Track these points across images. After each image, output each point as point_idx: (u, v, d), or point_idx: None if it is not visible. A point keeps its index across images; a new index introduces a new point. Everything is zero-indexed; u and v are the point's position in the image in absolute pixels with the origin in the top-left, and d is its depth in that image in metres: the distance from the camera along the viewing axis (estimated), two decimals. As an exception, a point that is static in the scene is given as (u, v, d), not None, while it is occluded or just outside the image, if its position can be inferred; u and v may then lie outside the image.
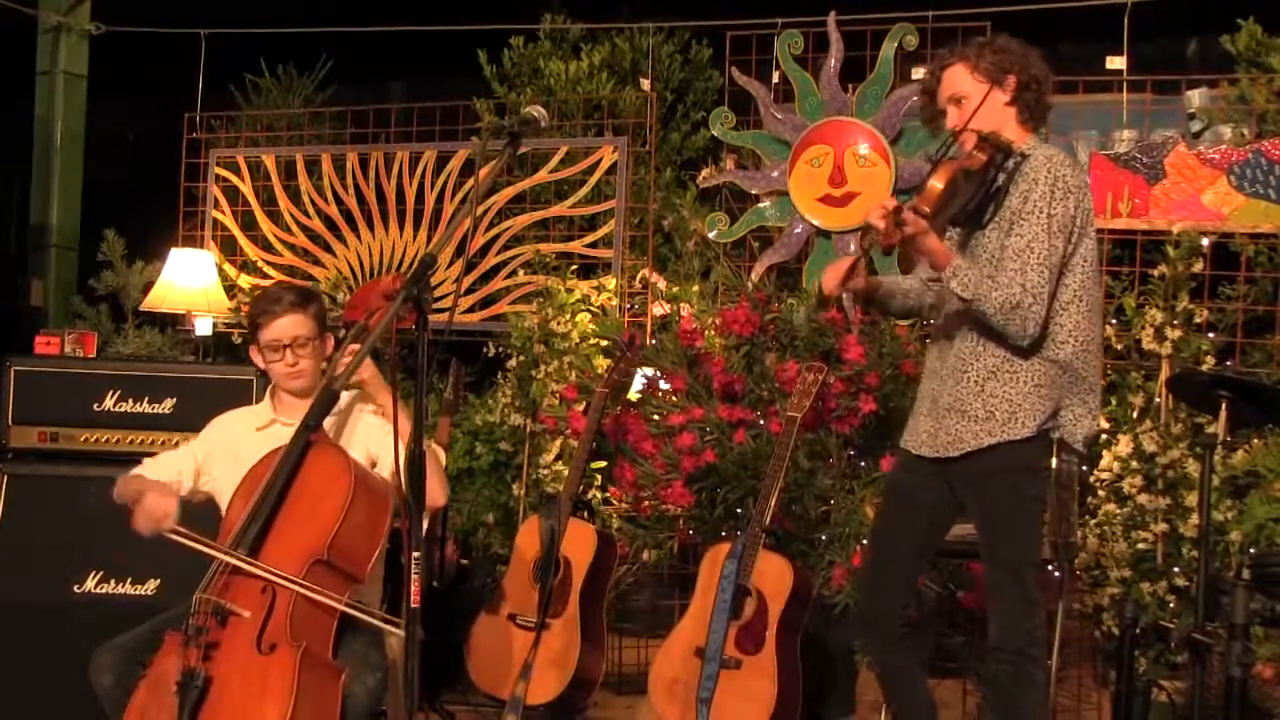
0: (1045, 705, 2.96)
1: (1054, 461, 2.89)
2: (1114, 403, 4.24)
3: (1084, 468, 4.07)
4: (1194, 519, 3.92)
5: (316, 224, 5.98)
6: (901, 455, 3.05)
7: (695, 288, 4.97)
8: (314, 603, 2.66)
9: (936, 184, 2.70)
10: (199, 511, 3.00)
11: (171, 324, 5.90)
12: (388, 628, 2.70)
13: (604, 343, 4.95)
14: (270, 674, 2.54)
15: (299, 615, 2.63)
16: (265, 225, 6.07)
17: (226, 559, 2.64)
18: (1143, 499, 4.05)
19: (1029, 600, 2.84)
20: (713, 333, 4.53)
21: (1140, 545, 4.04)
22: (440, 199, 5.73)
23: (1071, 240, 2.76)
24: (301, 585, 2.63)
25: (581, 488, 4.30)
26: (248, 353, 3.14)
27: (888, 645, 3.01)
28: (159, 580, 3.60)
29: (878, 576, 3.05)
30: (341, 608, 2.67)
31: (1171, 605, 3.95)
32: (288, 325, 2.97)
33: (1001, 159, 2.80)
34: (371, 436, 3.00)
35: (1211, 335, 4.28)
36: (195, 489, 3.01)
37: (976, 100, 2.81)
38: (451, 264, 5.62)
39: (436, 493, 2.92)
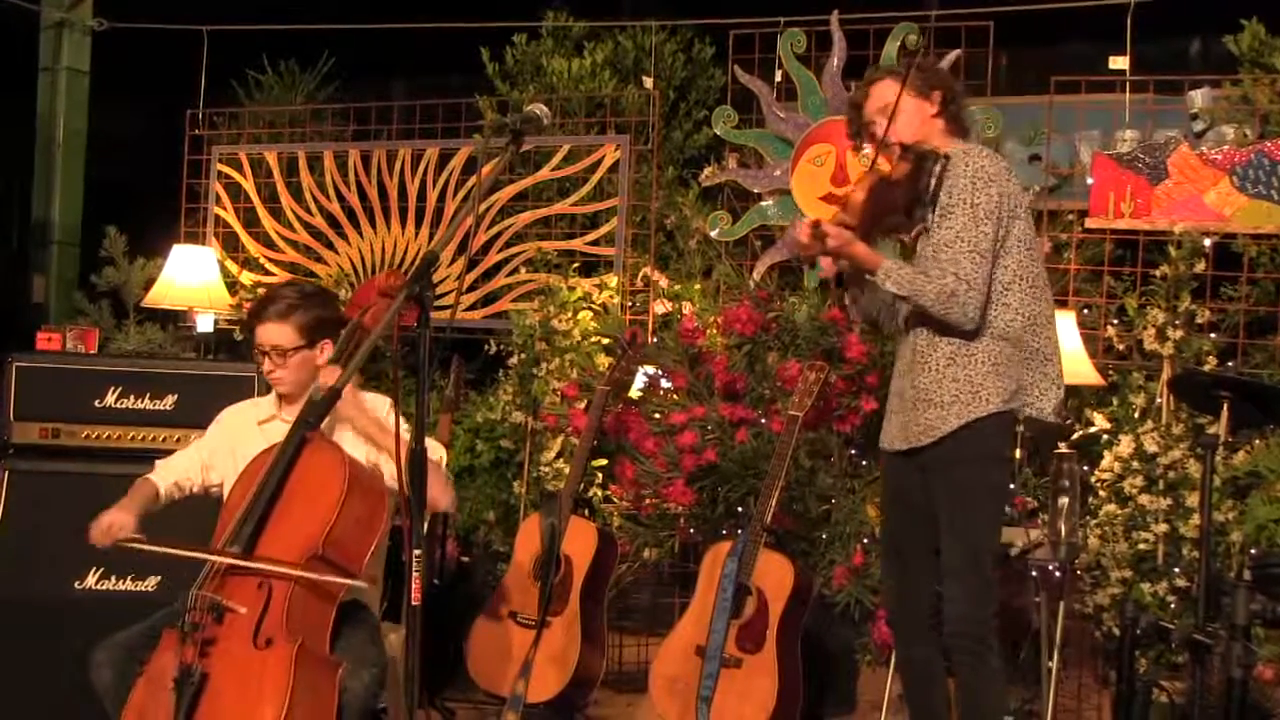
0: (1003, 693, 3.00)
1: (1018, 452, 2.96)
2: (1115, 403, 4.23)
3: (1085, 467, 4.07)
4: (1195, 519, 3.92)
5: (318, 221, 5.98)
6: (885, 458, 3.13)
7: (697, 286, 4.97)
8: (310, 598, 2.66)
9: (858, 195, 2.87)
10: (201, 505, 3.02)
11: (173, 320, 5.91)
12: (384, 623, 2.70)
13: (605, 341, 4.94)
14: (266, 669, 2.54)
15: (295, 610, 2.63)
16: (267, 222, 6.07)
17: (185, 556, 2.68)
18: (1144, 499, 4.05)
19: (987, 588, 2.90)
20: (714, 331, 4.53)
21: (1141, 545, 4.04)
22: (442, 196, 5.73)
23: (1002, 224, 2.87)
24: (296, 571, 2.62)
25: (582, 486, 4.30)
26: (249, 349, 3.16)
27: (915, 639, 3.07)
28: (159, 577, 3.60)
29: (900, 582, 3.09)
30: (343, 581, 2.68)
31: (1172, 606, 3.95)
32: (266, 333, 2.99)
33: (931, 165, 2.90)
34: (369, 435, 2.99)
35: (1213, 336, 4.27)
36: (207, 484, 3.05)
37: (905, 111, 2.96)
38: (453, 261, 5.62)
39: (438, 498, 2.91)
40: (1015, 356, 2.91)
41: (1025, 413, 2.93)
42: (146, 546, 2.77)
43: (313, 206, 5.99)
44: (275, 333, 2.98)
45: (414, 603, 2.18)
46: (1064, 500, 3.69)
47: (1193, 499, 3.97)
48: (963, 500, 2.91)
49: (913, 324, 2.98)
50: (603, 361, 4.84)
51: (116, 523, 2.82)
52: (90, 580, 3.62)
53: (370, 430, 2.96)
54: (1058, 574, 3.81)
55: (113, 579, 3.63)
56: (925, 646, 3.06)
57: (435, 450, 3.06)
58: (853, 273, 3.11)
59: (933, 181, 2.90)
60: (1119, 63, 4.87)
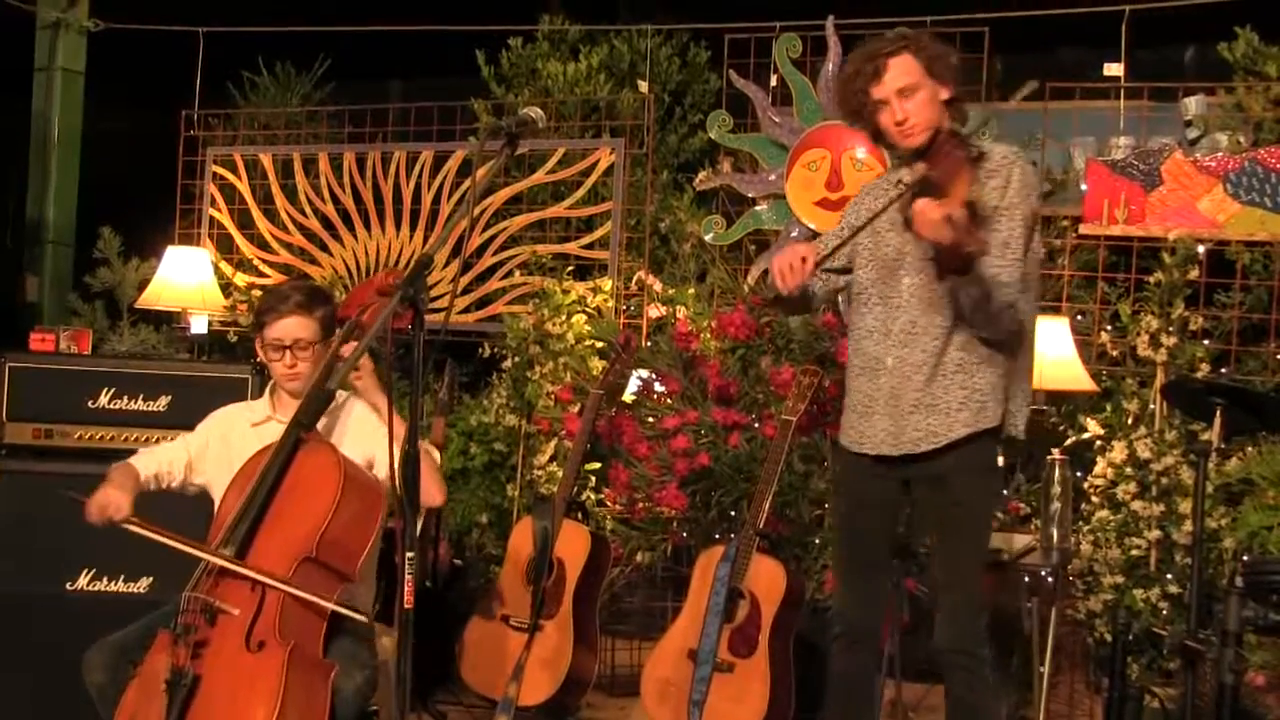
0: (1000, 704, 2.96)
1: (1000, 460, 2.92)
2: (1109, 409, 4.24)
3: (1077, 473, 4.08)
4: (1187, 526, 3.92)
5: (313, 223, 5.98)
6: (847, 459, 2.97)
7: (691, 290, 4.97)
8: (304, 600, 2.66)
9: (961, 189, 2.64)
10: (192, 508, 3.02)
11: (167, 322, 5.89)
12: (377, 624, 2.70)
13: (599, 344, 4.94)
14: (258, 672, 2.54)
15: (288, 613, 2.63)
16: (262, 224, 6.06)
17: (180, 549, 2.66)
18: (1137, 505, 4.05)
19: (981, 600, 2.87)
20: (708, 335, 4.53)
21: (1134, 552, 4.04)
22: (437, 199, 5.73)
23: (1030, 235, 2.81)
24: (286, 585, 2.63)
25: (575, 489, 4.30)
26: (243, 350, 3.14)
27: (862, 647, 3.00)
28: (152, 578, 3.60)
29: (861, 584, 3.01)
30: (331, 606, 2.67)
31: (1164, 612, 3.96)
32: (290, 327, 2.95)
33: (972, 157, 2.78)
34: (365, 435, 2.99)
35: (1207, 342, 4.28)
36: (187, 481, 3.01)
37: (925, 94, 2.79)
38: (448, 264, 5.62)
39: (433, 493, 2.93)
40: (1011, 369, 2.86)
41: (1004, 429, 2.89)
42: (143, 531, 2.73)
43: (307, 209, 5.99)
44: (298, 326, 2.95)
45: (406, 606, 2.18)
46: (1056, 506, 3.69)
47: (1185, 505, 3.97)
48: (963, 515, 2.85)
49: (920, 326, 2.83)
50: (596, 365, 4.84)
51: (113, 503, 2.77)
52: (82, 581, 3.62)
53: (366, 426, 2.97)
54: (1050, 579, 3.82)
55: (105, 580, 3.62)
56: (867, 655, 3.00)
57: (429, 452, 3.07)
58: (796, 299, 2.89)
59: None
60: (1114, 70, 4.88)
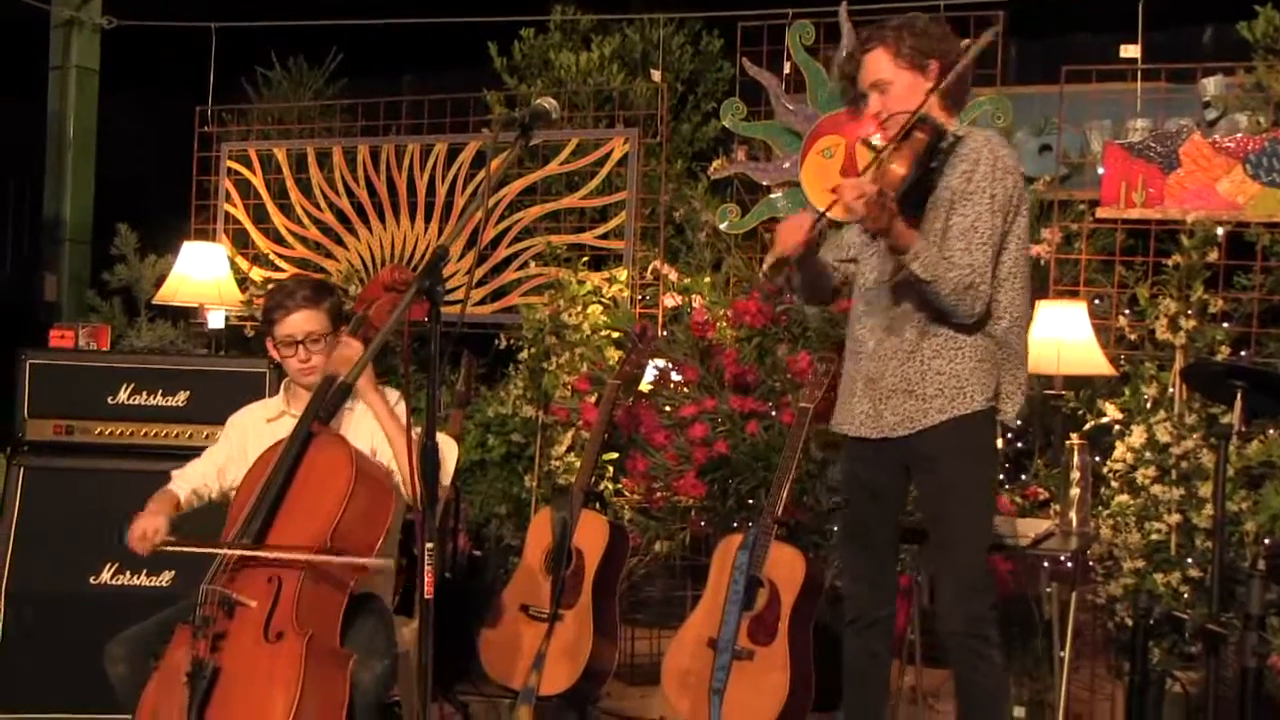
0: (1006, 686, 2.94)
1: (999, 442, 2.89)
2: (1128, 393, 4.22)
3: (1096, 458, 4.06)
4: (1208, 509, 3.90)
5: (328, 216, 5.99)
6: (846, 445, 3.02)
7: (707, 279, 4.96)
8: (320, 590, 2.68)
9: (899, 169, 2.72)
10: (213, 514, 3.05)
11: (184, 317, 5.92)
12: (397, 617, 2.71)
13: (616, 334, 4.94)
14: (277, 662, 2.56)
15: (305, 603, 2.65)
16: (277, 218, 6.08)
17: (227, 553, 2.70)
18: (1157, 489, 4.03)
19: (983, 584, 2.86)
20: (724, 324, 4.52)
21: (1154, 536, 4.02)
22: (451, 191, 5.73)
23: (1008, 219, 2.80)
24: (310, 557, 2.66)
25: (594, 479, 4.31)
26: (262, 345, 3.15)
27: (873, 630, 3.01)
28: (174, 571, 3.62)
29: (868, 572, 3.02)
30: (363, 562, 2.72)
31: (1186, 596, 3.94)
32: (301, 321, 2.97)
33: (936, 141, 2.81)
34: (368, 425, 3.00)
35: (1226, 325, 4.25)
36: (224, 489, 3.04)
37: (900, 87, 2.87)
38: (463, 256, 5.62)
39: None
40: (998, 355, 2.85)
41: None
42: (183, 549, 2.79)
43: (322, 202, 6.00)
44: (309, 319, 2.97)
45: (426, 596, 2.19)
46: (1075, 491, 3.68)
47: (1206, 489, 3.95)
48: (953, 498, 2.84)
49: (898, 311, 2.86)
50: (613, 355, 4.84)
51: (150, 528, 2.82)
52: (105, 575, 3.64)
53: (382, 410, 2.97)
54: (1070, 564, 3.81)
55: (128, 574, 3.65)
56: (876, 640, 3.01)
57: (447, 445, 3.07)
58: (805, 256, 2.91)
59: (936, 159, 2.81)
60: (1130, 51, 4.84)
